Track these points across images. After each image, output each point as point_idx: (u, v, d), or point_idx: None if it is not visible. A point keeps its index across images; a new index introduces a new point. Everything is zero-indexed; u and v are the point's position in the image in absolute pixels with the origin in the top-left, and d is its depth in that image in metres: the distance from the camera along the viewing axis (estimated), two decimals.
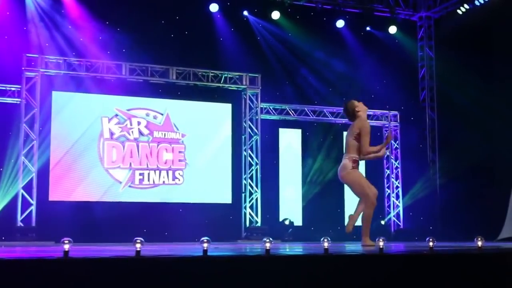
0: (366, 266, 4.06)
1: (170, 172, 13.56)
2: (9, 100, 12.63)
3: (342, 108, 14.96)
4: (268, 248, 3.99)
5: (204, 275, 3.82)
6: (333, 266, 4.02)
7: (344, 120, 15.25)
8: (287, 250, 5.57)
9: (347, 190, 15.08)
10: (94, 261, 3.73)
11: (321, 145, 14.87)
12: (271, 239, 4.04)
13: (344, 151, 7.65)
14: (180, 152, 13.73)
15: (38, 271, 3.61)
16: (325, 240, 4.07)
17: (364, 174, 15.17)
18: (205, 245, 3.91)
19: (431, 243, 4.23)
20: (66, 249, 3.71)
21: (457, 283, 4.16)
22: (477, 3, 14.73)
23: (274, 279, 3.90)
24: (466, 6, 14.94)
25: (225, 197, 14.09)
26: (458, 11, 15.20)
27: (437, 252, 4.16)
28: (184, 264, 3.82)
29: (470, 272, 4.21)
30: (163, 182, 13.48)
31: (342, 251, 4.41)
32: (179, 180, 13.61)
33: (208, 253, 3.91)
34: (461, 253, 4.30)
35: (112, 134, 13.16)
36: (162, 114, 13.64)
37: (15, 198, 12.21)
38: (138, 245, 3.81)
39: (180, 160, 13.70)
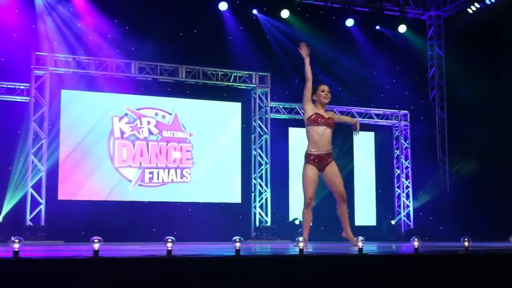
0: (401, 266, 3.96)
1: (178, 171, 13.50)
2: (18, 98, 12.55)
3: (352, 108, 15.07)
4: (301, 247, 3.90)
5: (237, 275, 3.72)
6: (367, 266, 3.93)
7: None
8: (309, 249, 5.46)
9: (356, 189, 15.09)
10: (125, 261, 3.64)
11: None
12: (302, 238, 3.95)
13: None
14: (187, 151, 13.67)
15: (68, 271, 3.52)
16: (359, 239, 3.98)
17: (374, 174, 15.31)
18: (237, 244, 3.82)
19: (466, 243, 4.12)
20: (96, 248, 3.61)
21: (492, 283, 4.07)
22: (487, 1, 14.62)
23: (308, 279, 3.81)
24: (476, 5, 14.82)
25: (235, 197, 14.01)
26: (469, 10, 15.08)
27: (473, 252, 4.07)
28: (217, 264, 3.73)
29: (505, 272, 4.11)
30: (172, 180, 13.42)
31: (376, 251, 4.32)
32: (186, 178, 13.55)
33: (241, 253, 3.82)
34: (496, 253, 4.19)
35: (122, 133, 13.09)
36: (170, 114, 13.57)
37: (24, 197, 12.13)
38: (169, 244, 3.72)
39: (187, 159, 13.64)
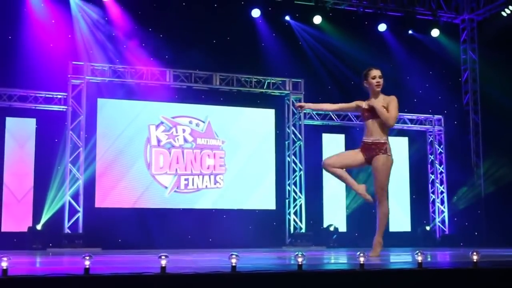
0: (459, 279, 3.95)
1: (212, 177, 13.60)
2: (55, 107, 12.72)
3: None
4: (362, 262, 3.91)
5: None
6: (427, 281, 3.92)
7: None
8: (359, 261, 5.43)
9: (391, 195, 14.92)
10: (191, 277, 3.67)
11: None
12: (364, 253, 3.95)
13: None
14: (220, 157, 13.76)
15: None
16: (419, 254, 3.97)
17: (408, 180, 15.24)
18: (300, 259, 3.84)
19: (475, 257, 4.04)
20: (163, 265, 3.65)
21: None
22: None
23: None
24: (511, 7, 14.67)
25: (269, 203, 14.04)
26: (503, 13, 14.94)
27: (481, 267, 3.99)
28: (281, 278, 3.75)
29: None
30: (206, 186, 13.54)
31: (436, 266, 4.31)
32: (220, 184, 13.65)
33: (303, 268, 3.84)
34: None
35: (159, 141, 13.22)
36: (203, 122, 13.66)
37: (62, 206, 12.28)
38: (233, 261, 3.75)
39: (220, 165, 13.74)
